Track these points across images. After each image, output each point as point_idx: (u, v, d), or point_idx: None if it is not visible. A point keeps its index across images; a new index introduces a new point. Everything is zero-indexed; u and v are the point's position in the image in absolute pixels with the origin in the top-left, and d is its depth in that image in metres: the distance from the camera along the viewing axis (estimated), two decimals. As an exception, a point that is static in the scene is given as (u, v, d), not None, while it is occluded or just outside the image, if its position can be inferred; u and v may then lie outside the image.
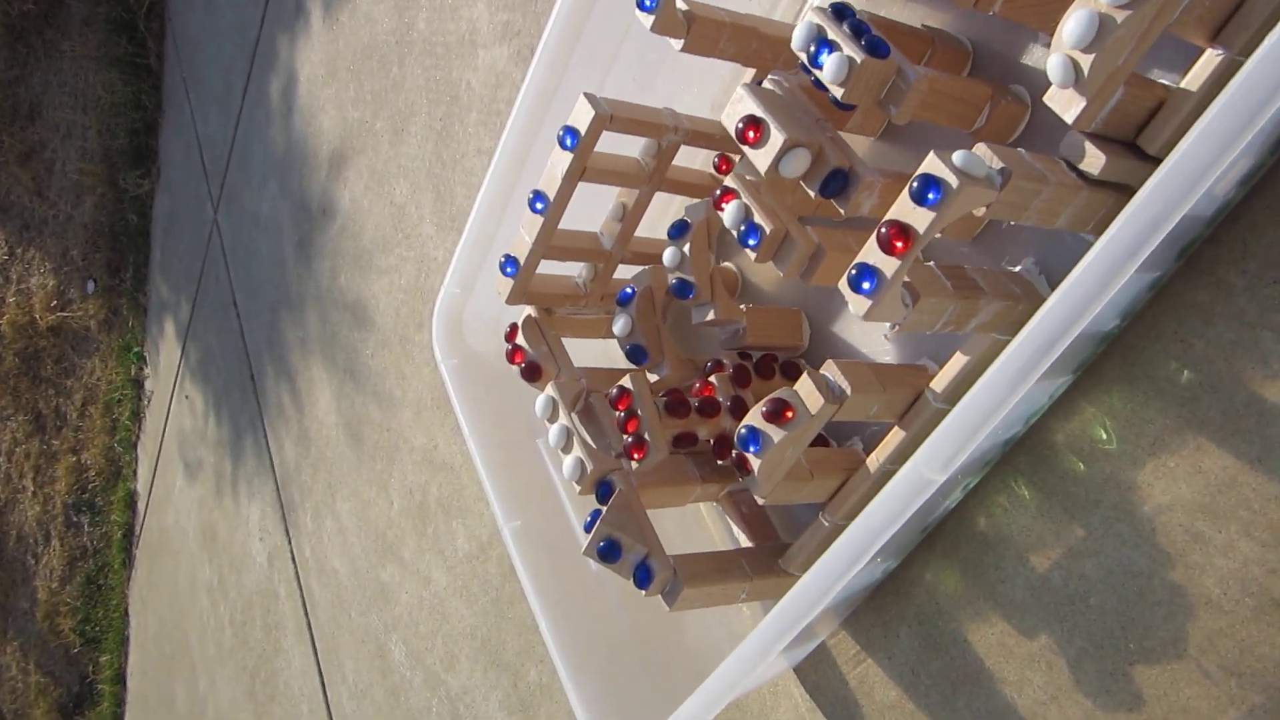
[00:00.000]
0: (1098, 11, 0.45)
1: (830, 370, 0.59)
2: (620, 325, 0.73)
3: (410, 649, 1.31)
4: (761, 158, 0.57)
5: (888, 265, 0.49)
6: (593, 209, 0.77)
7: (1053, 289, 0.58)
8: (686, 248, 0.68)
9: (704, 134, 0.74)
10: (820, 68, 0.55)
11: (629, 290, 0.74)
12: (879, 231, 0.49)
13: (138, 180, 2.56)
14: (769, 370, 0.72)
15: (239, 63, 1.95)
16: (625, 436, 0.65)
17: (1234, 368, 0.53)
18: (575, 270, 0.81)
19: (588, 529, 0.67)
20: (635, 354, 0.73)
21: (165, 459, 2.47)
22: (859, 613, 0.70)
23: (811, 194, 0.58)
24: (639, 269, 0.86)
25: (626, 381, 0.66)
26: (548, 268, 0.78)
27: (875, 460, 0.65)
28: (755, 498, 0.63)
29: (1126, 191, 0.53)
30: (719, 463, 0.68)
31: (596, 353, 0.88)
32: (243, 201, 1.94)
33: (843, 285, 0.51)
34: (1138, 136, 0.53)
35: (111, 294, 2.76)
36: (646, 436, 0.64)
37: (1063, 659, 0.58)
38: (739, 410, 0.68)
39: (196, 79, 2.26)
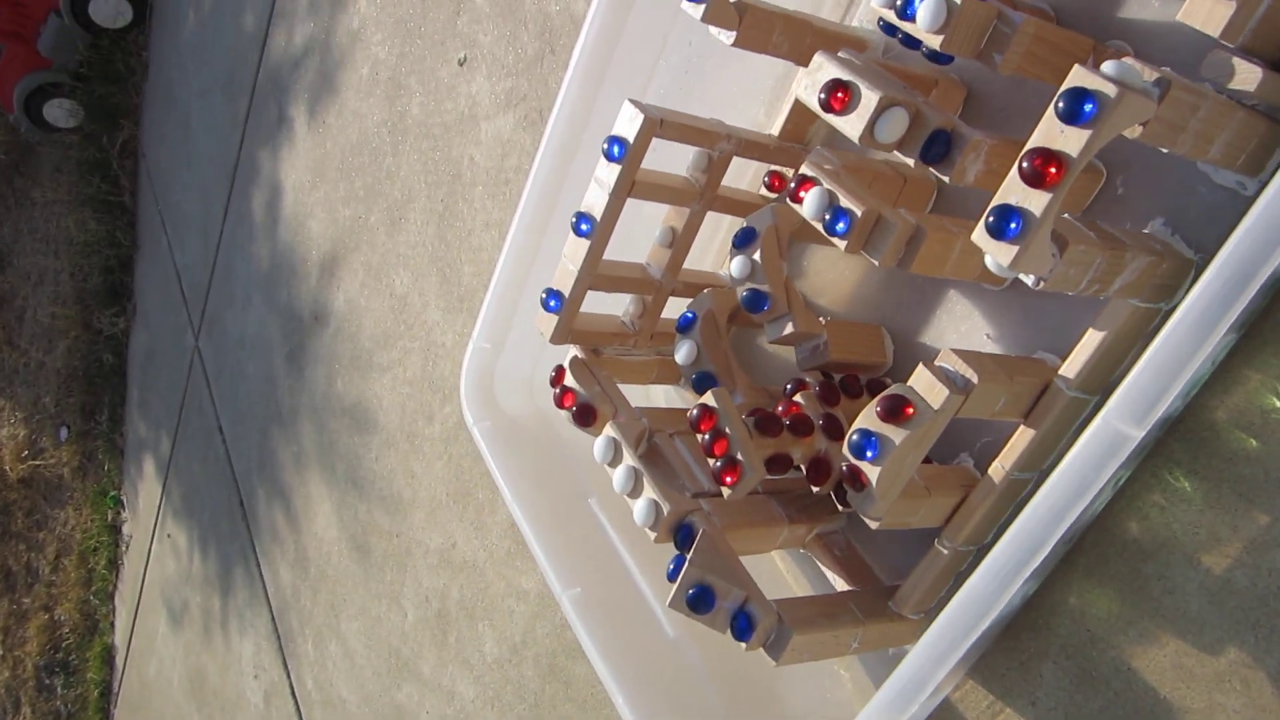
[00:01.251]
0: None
1: (949, 360, 0.52)
2: (684, 353, 0.66)
3: (435, 775, 1.19)
4: (853, 123, 0.51)
5: (1036, 201, 0.42)
6: (621, 248, 0.70)
7: (1191, 248, 0.52)
8: (756, 255, 0.62)
9: (757, 144, 0.68)
10: (912, 18, 0.50)
11: (689, 314, 0.67)
12: (1021, 165, 0.43)
13: (112, 319, 2.49)
14: (856, 389, 0.64)
15: (218, 186, 1.91)
16: (713, 461, 0.57)
17: None
18: (619, 309, 0.74)
19: (671, 577, 0.58)
20: (703, 382, 0.65)
21: (146, 606, 2.33)
22: (988, 656, 0.61)
23: (911, 161, 0.52)
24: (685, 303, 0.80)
25: (709, 399, 0.58)
26: (589, 305, 0.71)
27: (999, 468, 0.57)
28: (869, 520, 0.54)
29: (1275, 120, 0.48)
30: (814, 490, 0.60)
31: (642, 400, 0.80)
32: (226, 324, 1.86)
33: (980, 235, 0.44)
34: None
35: (86, 439, 2.66)
36: (739, 456, 0.56)
37: (1261, 672, 0.49)
38: (833, 429, 0.61)
39: (173, 209, 2.22)
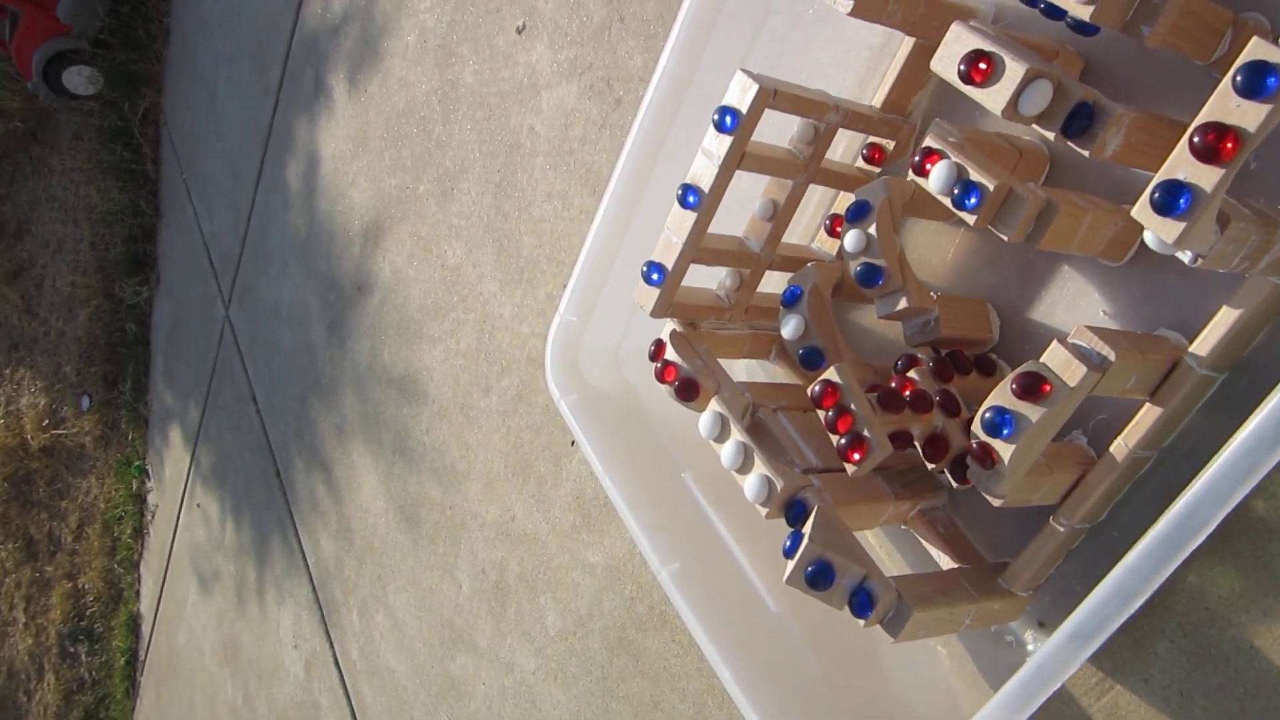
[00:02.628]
0: None
1: (1083, 337, 0.52)
2: (792, 327, 0.65)
3: (492, 745, 1.19)
4: (996, 96, 0.51)
5: (1206, 177, 0.42)
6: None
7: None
8: (871, 229, 0.61)
9: (862, 116, 0.68)
10: (1062, -13, 0.49)
11: (795, 288, 0.66)
12: (1192, 140, 0.42)
13: (135, 288, 2.48)
14: (965, 365, 0.64)
15: (249, 154, 1.90)
16: (836, 438, 0.57)
17: None
18: (711, 282, 0.74)
19: (789, 554, 0.58)
20: (810, 358, 0.65)
21: (175, 574, 2.33)
22: (1099, 631, 0.61)
23: (1051, 135, 0.51)
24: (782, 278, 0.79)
25: (832, 374, 0.58)
26: (687, 279, 0.71)
27: (1122, 446, 0.57)
28: (993, 498, 0.54)
29: None
30: (930, 467, 0.60)
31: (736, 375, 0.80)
32: (259, 293, 1.86)
33: (1142, 210, 0.44)
34: None
35: (108, 408, 2.66)
36: (865, 433, 0.56)
37: (1401, 650, 0.49)
38: (951, 406, 0.60)
39: (199, 178, 2.20)
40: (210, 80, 2.12)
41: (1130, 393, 0.54)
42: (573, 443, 1.06)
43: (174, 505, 2.33)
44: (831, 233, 0.75)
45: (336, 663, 1.57)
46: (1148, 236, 0.45)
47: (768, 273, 0.75)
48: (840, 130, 0.69)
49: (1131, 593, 0.49)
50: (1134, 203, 0.58)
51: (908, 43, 0.69)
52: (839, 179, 0.70)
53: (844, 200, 0.75)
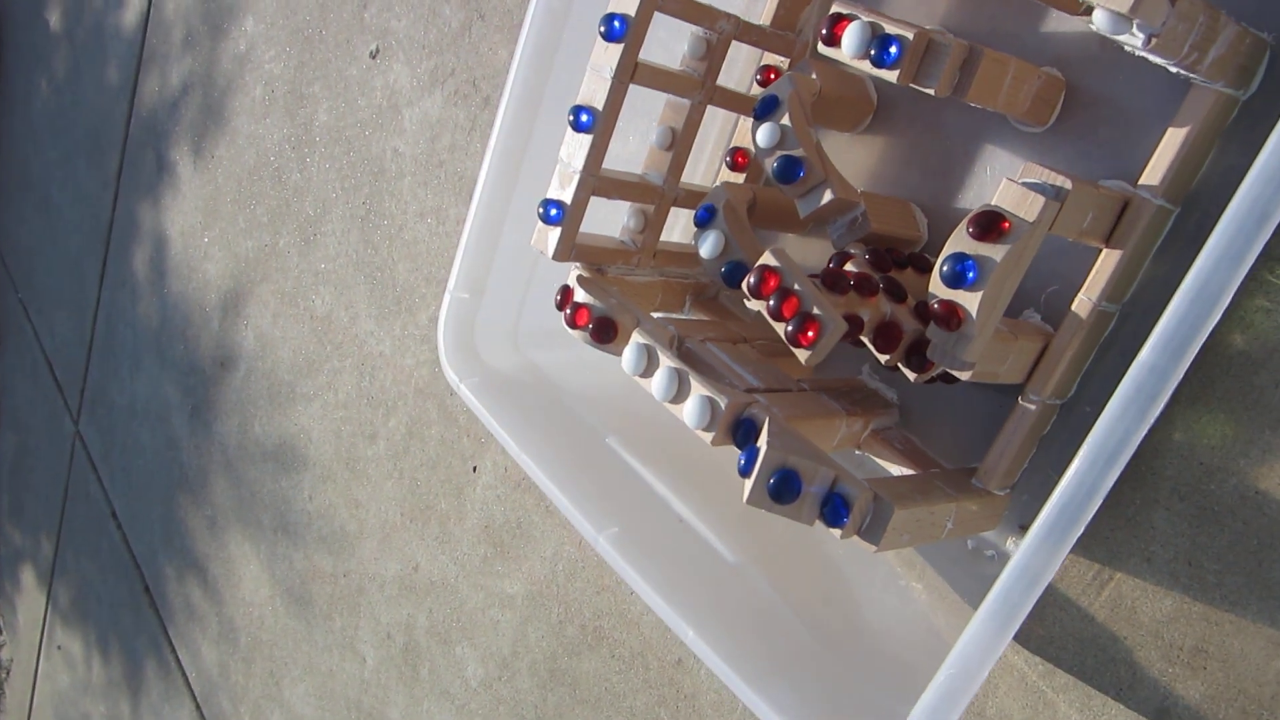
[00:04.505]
0: None
1: (1033, 173, 0.48)
2: (710, 243, 0.60)
3: (419, 829, 1.07)
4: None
5: (1160, -71, 0.39)
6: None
7: (1262, 30, 0.49)
8: (785, 120, 0.57)
9: (753, 28, 0.64)
10: None
11: (708, 205, 0.61)
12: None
13: (-27, 425, 2.28)
14: (901, 260, 0.59)
15: (91, 254, 1.78)
16: (782, 325, 0.51)
17: None
18: (612, 230, 0.68)
19: (744, 471, 0.52)
20: (735, 274, 0.59)
21: (38, 733, 2.10)
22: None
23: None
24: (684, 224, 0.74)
25: (768, 258, 0.52)
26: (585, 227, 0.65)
27: (1085, 301, 0.53)
28: (960, 370, 0.49)
29: None
30: (883, 358, 0.55)
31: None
32: (111, 398, 1.72)
33: (1094, -18, 0.40)
34: None
35: (-50, 562, 2.42)
36: (815, 310, 0.50)
37: None
38: (895, 291, 0.55)
39: (37, 293, 2.06)
40: (43, 187, 2.00)
41: (1086, 236, 0.51)
42: (474, 469, 0.98)
43: (30, 655, 2.12)
44: (734, 167, 0.70)
45: (231, 782, 1.41)
46: (1097, 16, 0.42)
47: (671, 221, 0.70)
48: (731, 58, 0.66)
49: (1107, 461, 0.44)
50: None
51: (791, -50, 0.66)
52: (738, 100, 0.66)
53: (742, 133, 0.71)
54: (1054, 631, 0.57)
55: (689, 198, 0.67)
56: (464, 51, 0.97)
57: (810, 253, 0.69)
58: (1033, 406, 0.54)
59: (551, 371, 0.74)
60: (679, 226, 0.74)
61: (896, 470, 0.61)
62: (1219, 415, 0.51)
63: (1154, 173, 0.50)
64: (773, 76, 0.68)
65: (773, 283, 0.52)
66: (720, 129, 0.74)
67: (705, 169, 0.74)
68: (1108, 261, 0.52)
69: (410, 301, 1.04)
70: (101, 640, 1.80)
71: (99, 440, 1.77)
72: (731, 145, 0.71)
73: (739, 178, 0.71)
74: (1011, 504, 0.58)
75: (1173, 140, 0.49)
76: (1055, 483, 0.56)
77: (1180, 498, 0.53)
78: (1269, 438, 0.50)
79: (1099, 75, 0.55)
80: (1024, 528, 0.58)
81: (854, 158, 0.66)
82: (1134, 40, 0.43)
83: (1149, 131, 0.52)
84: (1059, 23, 0.57)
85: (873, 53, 0.51)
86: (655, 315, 0.73)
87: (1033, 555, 0.45)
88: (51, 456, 1.95)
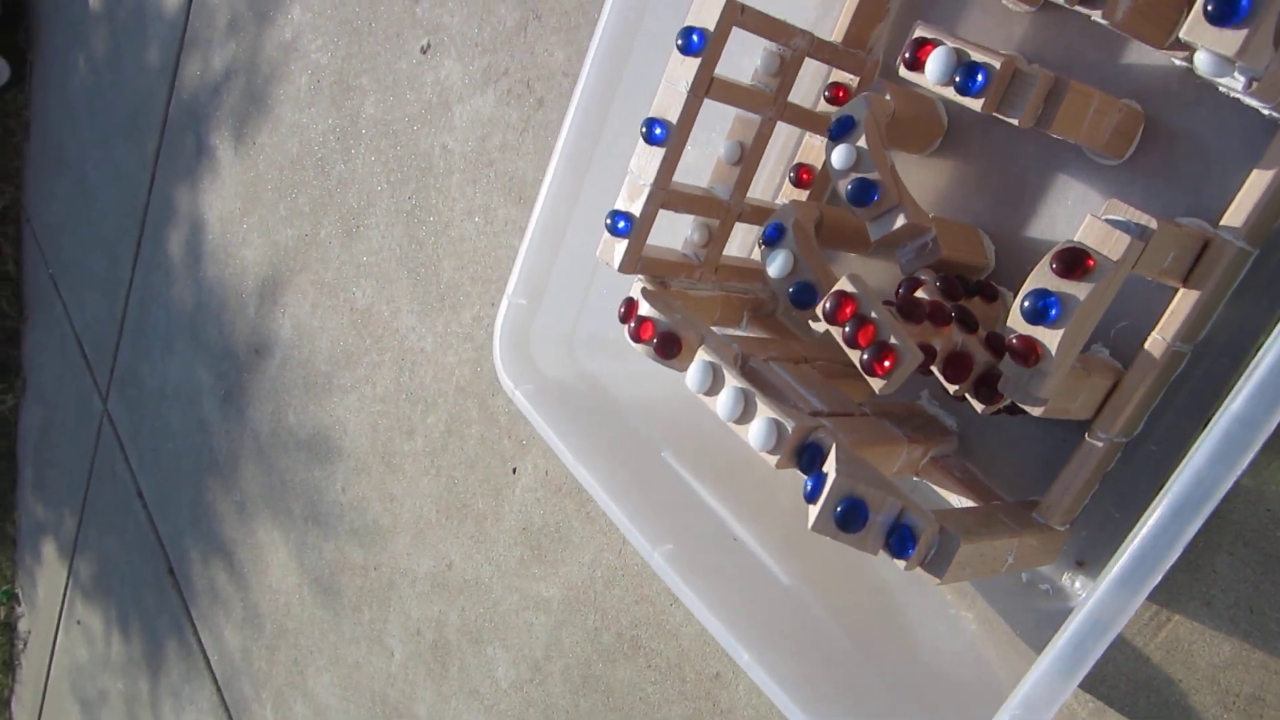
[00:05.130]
0: None
1: (1116, 210, 0.47)
2: (779, 263, 0.59)
3: (442, 825, 1.07)
4: (1006, -48, 0.47)
5: (1273, -23, 0.38)
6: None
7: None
8: (861, 142, 0.56)
9: (827, 45, 0.64)
10: None
11: (777, 223, 0.61)
12: (1254, -63, 0.38)
13: None
14: (970, 288, 0.59)
15: (125, 234, 1.78)
16: (857, 353, 0.51)
17: None
18: (675, 242, 0.68)
19: (811, 497, 0.51)
20: (803, 295, 0.59)
21: (53, 706, 2.11)
22: (1149, 558, 0.56)
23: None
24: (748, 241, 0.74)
25: (845, 284, 0.52)
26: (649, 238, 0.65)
27: (1159, 340, 0.52)
28: (1032, 405, 0.49)
29: None
30: (951, 389, 0.54)
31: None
32: (141, 379, 1.73)
33: (1195, 26, 0.40)
34: None
35: (-30, 533, 2.44)
36: (892, 340, 0.50)
37: None
38: (968, 321, 0.55)
39: (68, 269, 2.07)
40: (78, 166, 2.00)
41: (1165, 275, 0.50)
42: (514, 470, 0.98)
43: (49, 628, 2.13)
44: (799, 183, 0.70)
45: (250, 768, 1.42)
46: (1199, 58, 0.41)
47: (732, 234, 0.70)
48: (820, 60, 0.65)
49: (1188, 516, 0.43)
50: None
51: (867, -31, 0.65)
52: (808, 118, 0.66)
53: (808, 148, 0.71)
54: (1107, 670, 0.57)
55: (754, 213, 0.67)
56: (519, 51, 0.97)
57: (873, 273, 0.69)
58: (1099, 444, 0.54)
59: (607, 381, 0.74)
60: (736, 240, 0.74)
61: (955, 499, 0.61)
62: (1292, 461, 0.51)
63: (1237, 214, 0.50)
64: (841, 94, 0.68)
65: (849, 309, 0.51)
66: (784, 143, 0.73)
67: (767, 183, 0.74)
68: (1184, 302, 0.51)
69: (455, 299, 1.04)
70: (122, 618, 1.81)
71: (128, 420, 1.77)
72: (796, 161, 0.71)
73: (803, 194, 0.71)
74: (1070, 539, 0.58)
75: (1259, 181, 0.49)
76: (1116, 520, 0.56)
77: (1245, 543, 0.52)
78: (1344, 486, 0.49)
79: (1180, 110, 0.54)
80: (1081, 563, 0.58)
81: (922, 179, 0.66)
82: (1235, 83, 0.42)
83: (1232, 170, 0.52)
84: (1140, 54, 0.56)
85: (958, 79, 0.51)
86: (715, 330, 0.73)
87: (1107, 602, 0.45)
88: (78, 433, 1.96)
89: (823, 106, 0.69)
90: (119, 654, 1.82)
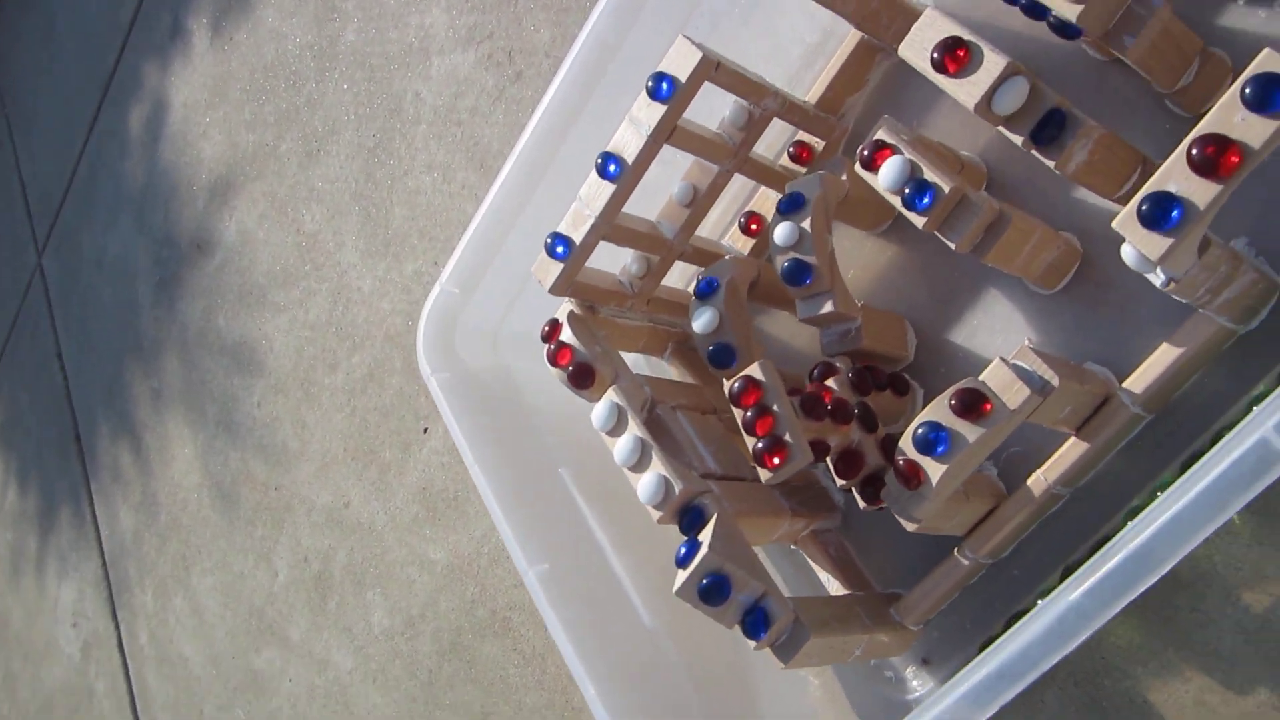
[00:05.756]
0: None
1: (1026, 358, 0.49)
2: (705, 320, 0.60)
3: (293, 752, 1.09)
4: (970, 89, 0.48)
5: (1202, 192, 0.39)
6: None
7: (1276, 271, 0.50)
8: (805, 223, 0.57)
9: (797, 108, 0.64)
10: (1050, -18, 0.46)
11: (712, 279, 0.62)
12: (1189, 151, 0.40)
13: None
14: (880, 381, 0.60)
15: (86, 95, 1.73)
16: (753, 440, 0.52)
17: None
18: (613, 266, 0.68)
19: (682, 563, 0.53)
20: (721, 356, 0.60)
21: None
22: (990, 673, 0.58)
23: (1020, 139, 0.48)
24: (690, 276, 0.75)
25: (755, 371, 0.53)
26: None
27: (1041, 480, 0.54)
28: (908, 522, 0.51)
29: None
30: (841, 483, 0.56)
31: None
32: (80, 244, 1.70)
33: (1126, 221, 0.41)
34: None
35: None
36: (787, 438, 0.51)
37: (1305, 714, 0.48)
38: (868, 421, 0.57)
39: (23, 113, 2.01)
40: (47, 12, 1.94)
41: (1060, 424, 0.52)
42: (425, 430, 0.98)
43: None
44: (746, 230, 0.71)
45: (121, 645, 1.43)
46: (1125, 251, 0.43)
47: (671, 268, 0.71)
48: (788, 121, 0.66)
49: (1039, 660, 0.45)
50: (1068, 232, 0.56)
51: (850, 40, 0.66)
52: (765, 173, 0.66)
53: (762, 197, 0.71)
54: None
55: (696, 254, 0.68)
56: (506, 19, 0.96)
57: (801, 334, 0.70)
58: (966, 561, 0.56)
59: (523, 382, 0.74)
60: (676, 271, 0.74)
61: (824, 575, 0.63)
62: (1133, 620, 0.53)
63: (1139, 380, 0.51)
64: (805, 155, 0.68)
65: (754, 397, 0.53)
66: (741, 185, 0.74)
67: (717, 221, 0.74)
68: (1073, 450, 0.53)
69: (400, 249, 1.04)
70: (21, 471, 1.80)
71: (59, 281, 1.74)
72: (749, 209, 0.72)
73: (750, 242, 0.71)
74: (921, 638, 0.60)
75: (1165, 356, 0.50)
76: (967, 630, 0.59)
77: (1076, 683, 0.55)
78: (1170, 655, 0.52)
79: (1115, 260, 0.55)
80: (926, 661, 0.61)
81: (865, 256, 0.67)
82: (1155, 280, 0.44)
83: (1146, 335, 0.53)
84: (1090, 193, 0.57)
85: (907, 192, 0.52)
86: (630, 356, 0.74)
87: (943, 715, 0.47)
88: (6, 281, 1.93)
89: (786, 161, 0.69)
90: (13, 506, 1.81)
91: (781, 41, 0.71)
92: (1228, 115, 0.39)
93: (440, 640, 0.93)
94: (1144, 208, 0.41)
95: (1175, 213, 0.40)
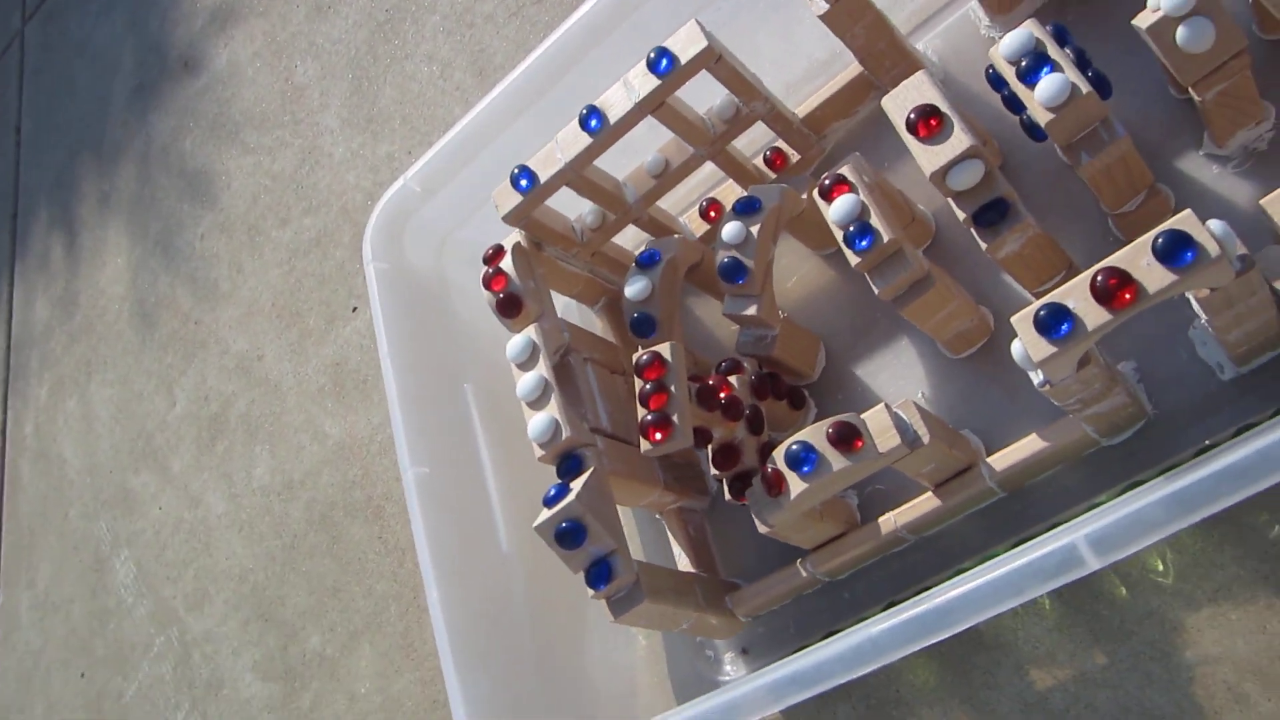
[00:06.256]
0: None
1: (908, 411, 0.52)
2: (637, 288, 0.63)
3: (144, 572, 1.11)
4: (932, 156, 0.51)
5: (1094, 316, 0.43)
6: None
7: (1150, 402, 0.55)
8: (755, 228, 0.60)
9: (783, 118, 0.67)
10: (1032, 85, 0.49)
11: (655, 252, 0.64)
12: (1095, 278, 0.43)
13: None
14: (779, 391, 0.64)
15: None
16: (643, 412, 0.56)
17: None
18: (570, 212, 0.71)
19: (549, 503, 0.56)
20: (642, 325, 0.63)
21: None
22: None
23: (962, 215, 0.52)
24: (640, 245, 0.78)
25: (665, 350, 0.56)
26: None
27: (891, 522, 0.58)
28: (761, 524, 0.54)
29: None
30: (715, 472, 0.60)
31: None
32: (67, 24, 1.67)
33: (1023, 322, 0.45)
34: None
35: None
36: (675, 419, 0.55)
37: (1051, 791, 0.53)
38: (756, 423, 0.60)
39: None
40: None
41: (921, 477, 0.56)
42: (355, 309, 1.00)
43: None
44: (705, 216, 0.74)
45: (4, 430, 1.43)
46: (1014, 346, 0.46)
47: (624, 230, 0.73)
48: (770, 127, 0.68)
49: (831, 675, 0.49)
50: (990, 307, 0.60)
51: (851, 70, 0.68)
52: (736, 169, 0.69)
53: (729, 189, 0.74)
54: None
55: (651, 224, 0.71)
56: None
57: (724, 325, 0.73)
58: (805, 574, 0.60)
59: (456, 293, 0.77)
60: (627, 235, 0.77)
61: (678, 550, 0.67)
62: (933, 664, 0.58)
63: (1002, 460, 0.55)
64: (779, 161, 0.71)
65: (656, 374, 0.56)
66: (711, 172, 0.76)
67: (680, 200, 0.77)
68: (927, 502, 0.57)
69: (379, 128, 1.05)
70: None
71: (38, 53, 1.72)
72: (711, 196, 0.74)
73: (704, 227, 0.74)
74: (746, 629, 0.65)
75: (1030, 445, 0.55)
76: (790, 634, 0.63)
77: (868, 706, 0.60)
78: (954, 705, 0.57)
79: (1018, 342, 0.60)
80: (745, 651, 0.65)
81: (806, 271, 0.70)
82: (1034, 379, 0.47)
83: (1022, 422, 0.57)
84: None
85: (850, 230, 0.55)
86: (562, 298, 0.77)
87: (744, 699, 0.51)
88: (-13, 36, 1.89)
89: (759, 164, 0.72)
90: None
91: (792, 50, 0.73)
92: (1137, 256, 0.43)
93: (313, 510, 0.96)
94: (1041, 313, 0.44)
95: (1065, 326, 0.43)
